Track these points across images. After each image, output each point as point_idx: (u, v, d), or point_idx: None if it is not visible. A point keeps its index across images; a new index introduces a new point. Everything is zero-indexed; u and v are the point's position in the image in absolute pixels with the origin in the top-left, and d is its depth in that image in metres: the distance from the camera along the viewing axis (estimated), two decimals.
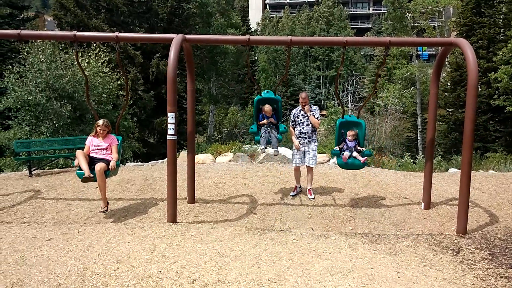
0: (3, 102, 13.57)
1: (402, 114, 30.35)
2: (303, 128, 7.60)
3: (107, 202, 6.79)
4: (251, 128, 7.60)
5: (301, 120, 7.62)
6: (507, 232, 5.93)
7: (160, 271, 4.33)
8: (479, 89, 23.08)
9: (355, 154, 7.12)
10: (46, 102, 13.17)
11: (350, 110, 28.46)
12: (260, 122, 7.48)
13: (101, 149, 6.74)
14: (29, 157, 10.11)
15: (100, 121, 6.83)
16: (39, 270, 4.37)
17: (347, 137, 7.28)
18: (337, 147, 7.31)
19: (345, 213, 7.11)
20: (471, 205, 6.71)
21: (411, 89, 30.07)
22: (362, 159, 7.06)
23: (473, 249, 5.17)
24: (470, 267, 4.64)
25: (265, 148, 7.41)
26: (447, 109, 26.64)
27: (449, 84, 26.98)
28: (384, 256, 4.85)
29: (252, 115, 7.94)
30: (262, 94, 7.59)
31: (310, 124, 7.59)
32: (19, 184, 8.96)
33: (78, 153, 6.60)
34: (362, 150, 7.21)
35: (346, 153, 7.10)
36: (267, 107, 7.43)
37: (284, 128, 7.61)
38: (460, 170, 7.16)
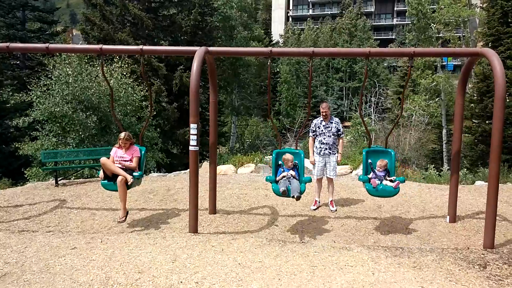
0: (33, 115, 13.94)
1: (427, 125, 29.88)
2: (324, 138, 7.56)
3: (127, 212, 6.84)
4: (267, 177, 6.63)
5: (322, 130, 7.59)
6: None
7: (181, 282, 4.34)
8: (507, 100, 22.57)
9: (385, 182, 6.55)
10: (72, 113, 13.47)
11: (373, 122, 28.18)
12: (278, 178, 6.48)
13: (125, 160, 6.83)
14: (56, 167, 10.32)
15: (122, 134, 6.91)
16: (62, 278, 4.43)
17: (376, 168, 6.69)
18: (366, 176, 6.69)
19: (367, 225, 7.01)
20: (498, 219, 6.53)
21: (436, 100, 29.62)
22: (394, 184, 6.43)
23: (501, 264, 5.01)
24: (497, 283, 4.49)
25: (285, 191, 6.10)
26: (474, 120, 26.09)
27: (475, 95, 26.45)
28: (407, 270, 4.75)
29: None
30: (282, 149, 6.95)
31: (332, 136, 7.54)
32: (46, 194, 9.15)
33: (103, 160, 6.71)
34: (393, 179, 6.58)
35: (376, 180, 6.50)
36: (286, 156, 6.56)
37: (310, 179, 6.60)
38: (487, 183, 6.99)
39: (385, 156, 6.83)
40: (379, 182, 6.49)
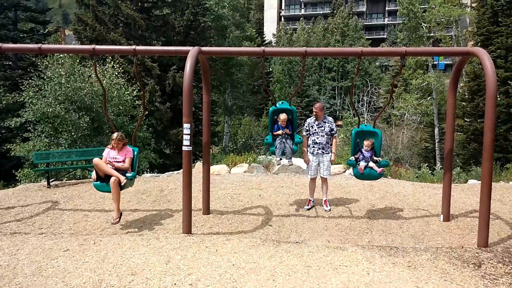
0: (25, 115, 13.83)
1: (419, 124, 30.03)
2: (317, 138, 7.56)
3: (120, 214, 6.79)
4: (266, 139, 7.57)
5: (315, 130, 7.59)
6: None
7: (175, 284, 4.30)
8: (498, 98, 22.71)
9: (371, 164, 7.08)
10: (64, 114, 13.38)
11: (365, 120, 28.26)
12: (275, 133, 7.44)
13: (117, 161, 6.78)
14: (48, 169, 10.22)
15: (114, 135, 6.85)
16: (55, 281, 4.38)
17: (363, 147, 7.22)
18: (353, 157, 7.27)
19: (361, 225, 7.01)
20: (492, 218, 6.55)
21: (428, 99, 29.78)
22: (378, 169, 7.01)
23: (495, 263, 5.03)
24: (492, 282, 4.50)
25: (280, 159, 7.45)
26: (465, 119, 26.25)
27: (466, 94, 26.62)
28: (402, 270, 4.75)
29: (267, 126, 7.88)
30: (277, 104, 7.58)
31: (325, 135, 7.55)
32: (38, 195, 9.07)
33: (96, 160, 6.66)
34: (379, 160, 7.18)
35: (362, 164, 7.06)
36: (282, 116, 7.37)
37: (300, 139, 7.57)
38: (480, 182, 7.02)
39: (372, 136, 7.30)
40: (365, 164, 7.04)
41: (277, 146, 7.33)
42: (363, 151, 7.22)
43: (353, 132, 7.40)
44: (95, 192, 8.65)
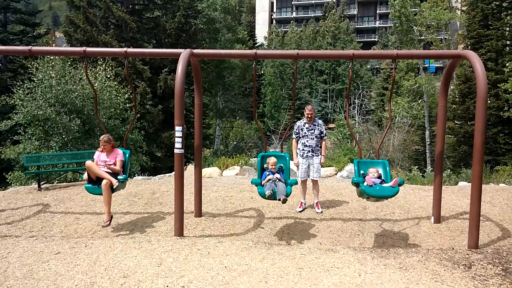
0: (15, 118, 13.74)
1: (410, 127, 30.22)
2: (307, 141, 7.59)
3: (111, 217, 6.75)
4: (253, 180, 6.49)
5: (305, 133, 7.62)
6: None
7: (167, 286, 4.29)
8: (488, 101, 22.95)
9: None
10: (55, 116, 13.30)
11: (357, 123, 28.37)
12: (263, 182, 6.31)
13: (108, 164, 6.74)
14: (38, 171, 10.16)
15: (101, 137, 6.80)
16: (46, 284, 4.35)
17: (368, 174, 6.26)
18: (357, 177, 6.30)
19: (353, 227, 7.04)
20: (482, 219, 6.61)
21: (419, 101, 29.98)
22: (392, 182, 6.02)
23: (486, 265, 5.08)
24: (482, 283, 4.55)
25: (271, 194, 6.05)
26: (456, 121, 26.48)
27: (457, 96, 26.86)
28: (394, 272, 4.78)
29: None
30: (267, 152, 6.90)
31: (315, 138, 7.58)
32: (28, 198, 9.00)
33: (89, 163, 6.61)
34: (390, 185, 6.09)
35: (369, 177, 6.11)
36: (271, 160, 6.44)
37: (296, 182, 6.48)
38: (470, 184, 7.08)
39: (377, 166, 6.46)
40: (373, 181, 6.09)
41: (267, 186, 6.18)
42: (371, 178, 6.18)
43: (354, 162, 6.59)
44: (87, 195, 8.61)
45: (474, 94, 23.38)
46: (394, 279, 4.57)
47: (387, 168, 6.39)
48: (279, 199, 5.94)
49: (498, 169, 18.75)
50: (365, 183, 6.05)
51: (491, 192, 9.30)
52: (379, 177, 6.30)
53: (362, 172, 6.39)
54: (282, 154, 6.78)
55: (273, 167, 6.41)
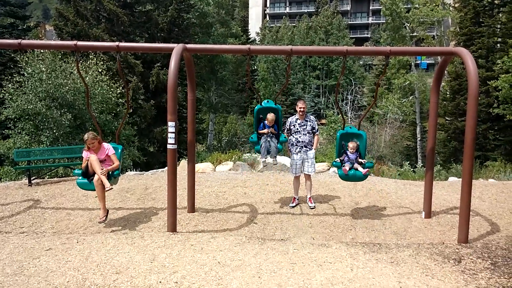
0: (4, 112, 13.60)
1: (401, 123, 30.40)
2: (299, 136, 7.60)
3: (107, 211, 6.74)
4: (251, 138, 7.55)
5: (297, 128, 7.63)
6: (508, 241, 5.89)
7: (160, 282, 4.30)
8: (479, 98, 23.09)
9: (356, 166, 7.09)
10: (46, 111, 13.18)
11: (349, 119, 28.50)
12: (260, 131, 7.45)
13: (100, 161, 6.68)
14: (29, 166, 10.07)
15: (85, 136, 6.63)
16: (37, 281, 4.33)
17: (348, 149, 7.21)
18: (338, 159, 7.25)
19: (345, 222, 7.08)
20: (471, 214, 6.68)
21: (410, 98, 30.15)
22: (363, 170, 7.01)
23: (475, 259, 5.14)
24: (472, 277, 4.60)
25: (265, 159, 7.34)
26: (447, 118, 26.67)
27: (448, 93, 27.05)
28: (385, 266, 4.82)
29: (252, 124, 7.94)
30: (263, 103, 7.58)
31: (307, 134, 7.59)
32: (19, 194, 8.93)
33: (94, 157, 6.51)
34: (364, 162, 7.16)
35: (347, 165, 7.05)
36: (270, 116, 7.36)
37: (284, 137, 7.60)
38: (460, 179, 7.14)
39: (357, 138, 7.30)
40: (350, 166, 7.07)
41: (262, 145, 7.34)
42: (348, 153, 7.19)
43: (338, 134, 7.41)
44: (78, 190, 8.56)
45: (465, 91, 23.58)
46: (386, 273, 4.60)
47: (364, 140, 7.30)
48: (273, 160, 7.36)
49: (488, 165, 18.94)
50: (343, 169, 7.05)
51: (481, 188, 9.39)
52: (357, 149, 7.22)
53: (343, 143, 7.31)
54: (276, 106, 7.57)
55: (271, 123, 7.40)
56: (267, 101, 7.63)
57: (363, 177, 7.10)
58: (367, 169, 7.08)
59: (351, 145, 7.19)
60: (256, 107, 7.57)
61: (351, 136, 7.34)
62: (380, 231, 6.70)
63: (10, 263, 4.79)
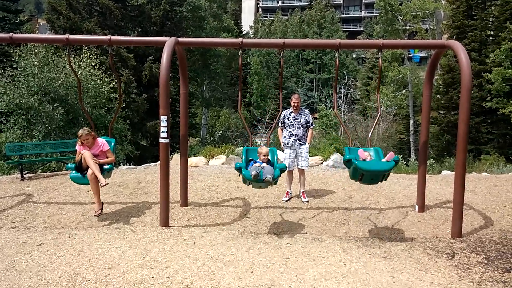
0: None
1: (395, 116, 30.46)
2: (293, 130, 7.58)
3: (102, 205, 6.69)
4: (237, 164, 5.79)
5: (291, 122, 7.61)
6: (502, 235, 5.92)
7: (152, 277, 4.27)
8: (471, 91, 23.18)
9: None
10: (38, 105, 13.09)
11: (342, 113, 28.50)
12: (250, 168, 5.72)
13: (94, 156, 6.61)
14: (21, 161, 9.98)
15: (79, 132, 6.50)
16: (29, 276, 4.29)
17: (358, 158, 5.77)
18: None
19: (338, 216, 7.08)
20: (465, 208, 6.70)
21: (404, 91, 30.21)
22: (386, 157, 5.68)
23: (469, 253, 5.15)
24: (465, 271, 4.61)
25: (257, 174, 5.52)
26: (440, 111, 26.77)
27: (441, 86, 27.13)
28: (379, 261, 4.82)
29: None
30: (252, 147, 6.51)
31: (301, 127, 7.58)
32: (11, 188, 8.85)
33: (88, 153, 6.42)
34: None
35: (362, 151, 5.77)
36: (264, 150, 5.98)
37: (284, 166, 6.08)
38: (453, 173, 7.15)
39: (369, 151, 6.10)
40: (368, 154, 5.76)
41: (252, 168, 5.63)
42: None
43: (345, 149, 6.16)
44: (70, 185, 8.50)
45: (458, 84, 23.65)
46: (379, 268, 4.61)
47: (380, 154, 6.03)
48: (265, 179, 5.41)
49: (481, 158, 19.06)
50: (359, 156, 5.69)
51: (474, 181, 9.42)
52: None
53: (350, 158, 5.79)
54: (270, 148, 6.25)
55: (265, 157, 5.95)
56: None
57: (388, 165, 5.53)
58: (391, 153, 5.74)
59: (363, 154, 5.81)
60: (243, 148, 6.49)
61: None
62: (373, 225, 6.71)
63: (1, 258, 4.75)
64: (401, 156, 16.06)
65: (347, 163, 5.82)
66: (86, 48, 15.61)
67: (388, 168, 5.53)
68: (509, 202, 7.64)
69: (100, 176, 6.33)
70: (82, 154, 6.49)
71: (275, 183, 5.83)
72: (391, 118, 29.24)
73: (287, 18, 63.18)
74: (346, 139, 17.46)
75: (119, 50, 20.92)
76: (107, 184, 6.45)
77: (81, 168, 6.51)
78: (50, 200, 7.96)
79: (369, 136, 7.42)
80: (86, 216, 6.99)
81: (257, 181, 5.50)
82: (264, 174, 5.49)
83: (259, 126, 30.83)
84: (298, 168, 7.75)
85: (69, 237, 5.46)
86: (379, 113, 7.22)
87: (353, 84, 38.66)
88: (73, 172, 6.59)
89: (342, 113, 28.33)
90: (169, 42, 6.16)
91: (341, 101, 30.89)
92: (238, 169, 5.70)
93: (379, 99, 7.28)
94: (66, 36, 6.48)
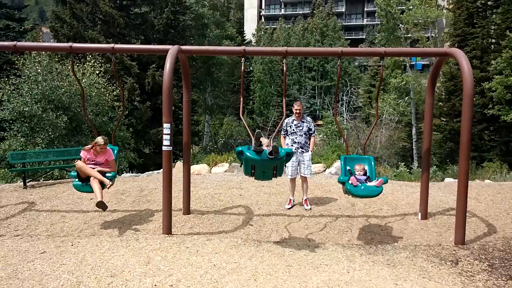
0: (0, 114, 13.54)
1: (397, 123, 30.45)
2: (295, 137, 7.59)
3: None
4: (237, 148, 5.73)
5: (294, 130, 7.62)
6: (505, 243, 5.89)
7: (155, 285, 4.26)
8: (474, 98, 23.15)
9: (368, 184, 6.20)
10: (42, 113, 13.14)
11: (345, 120, 28.51)
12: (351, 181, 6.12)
13: (97, 164, 6.63)
14: (24, 169, 10.01)
15: (101, 140, 6.54)
16: (31, 284, 4.29)
17: (355, 172, 6.36)
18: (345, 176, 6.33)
19: (341, 223, 7.06)
20: (468, 215, 6.68)
21: (406, 99, 30.21)
22: (376, 182, 6.06)
23: (472, 260, 5.13)
24: (469, 279, 4.59)
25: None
26: (442, 118, 26.75)
27: (443, 94, 27.12)
28: (382, 268, 4.80)
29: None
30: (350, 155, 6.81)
31: (303, 135, 7.58)
32: (13, 196, 8.86)
33: (80, 164, 6.47)
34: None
35: (354, 178, 6.19)
36: (265, 140, 5.90)
37: (386, 180, 6.24)
38: (456, 180, 7.13)
39: (363, 162, 6.54)
40: (359, 179, 6.20)
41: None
42: (356, 176, 6.29)
43: (341, 158, 6.64)
44: (73, 193, 8.50)
45: (460, 92, 23.63)
46: (383, 275, 4.59)
47: (372, 164, 6.48)
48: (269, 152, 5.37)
49: (484, 166, 18.99)
50: (350, 182, 6.10)
51: (477, 189, 9.38)
52: (365, 173, 6.37)
53: (348, 168, 6.44)
54: (366, 156, 6.69)
55: (361, 173, 6.32)
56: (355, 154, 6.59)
57: (377, 190, 6.02)
58: (381, 179, 6.10)
59: (358, 167, 6.39)
60: (341, 156, 6.70)
61: (355, 160, 6.62)
62: (376, 233, 6.69)
63: (4, 266, 4.75)
64: (403, 163, 16.03)
65: (341, 183, 6.33)
66: (90, 56, 15.70)
67: (376, 194, 6.08)
68: None
69: (104, 179, 6.36)
70: (76, 164, 6.53)
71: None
72: (393, 125, 29.22)
73: (289, 26, 63.37)
74: (349, 146, 17.44)
75: (122, 58, 21.02)
76: (112, 184, 6.46)
77: (82, 179, 6.52)
78: (53, 208, 7.97)
79: (364, 144, 7.56)
80: (88, 224, 6.99)
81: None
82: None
83: (262, 133, 30.82)
84: (301, 175, 7.75)
85: (72, 245, 5.45)
86: (376, 120, 7.29)
87: (355, 92, 38.69)
88: (76, 180, 6.61)
89: (345, 120, 28.34)
90: (172, 50, 6.20)
91: (344, 109, 30.92)
92: (240, 152, 5.60)
93: (378, 106, 7.34)
94: (69, 44, 6.53)
